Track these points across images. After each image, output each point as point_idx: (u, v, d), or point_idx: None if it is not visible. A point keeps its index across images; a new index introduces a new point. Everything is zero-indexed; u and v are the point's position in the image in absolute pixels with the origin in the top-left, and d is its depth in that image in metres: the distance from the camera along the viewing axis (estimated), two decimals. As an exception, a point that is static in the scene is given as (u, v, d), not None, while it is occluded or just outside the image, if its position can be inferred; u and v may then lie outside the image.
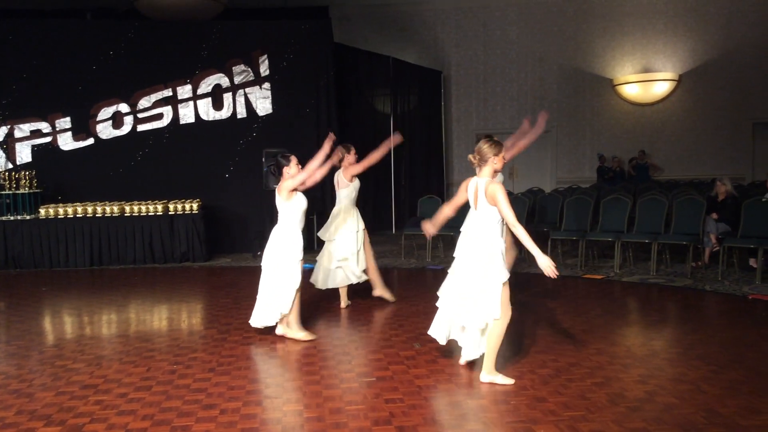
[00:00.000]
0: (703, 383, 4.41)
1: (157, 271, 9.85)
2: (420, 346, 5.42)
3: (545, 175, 15.71)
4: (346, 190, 6.87)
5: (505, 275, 4.44)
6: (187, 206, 10.56)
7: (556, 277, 4.24)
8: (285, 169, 5.71)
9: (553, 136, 15.60)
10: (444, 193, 14.73)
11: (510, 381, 4.49)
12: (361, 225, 6.87)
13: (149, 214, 10.42)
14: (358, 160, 6.83)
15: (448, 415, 3.94)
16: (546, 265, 4.23)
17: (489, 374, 4.52)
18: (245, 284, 8.65)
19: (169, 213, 10.48)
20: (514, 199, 10.29)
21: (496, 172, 4.60)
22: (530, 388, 4.40)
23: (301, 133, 11.56)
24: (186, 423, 3.90)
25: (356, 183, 6.89)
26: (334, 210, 6.97)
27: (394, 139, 7.00)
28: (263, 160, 10.83)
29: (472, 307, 4.50)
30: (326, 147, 5.76)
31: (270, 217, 10.67)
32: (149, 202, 10.59)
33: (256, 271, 9.67)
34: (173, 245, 10.46)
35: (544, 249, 9.52)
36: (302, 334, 5.69)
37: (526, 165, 16.00)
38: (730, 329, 5.99)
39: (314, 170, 5.74)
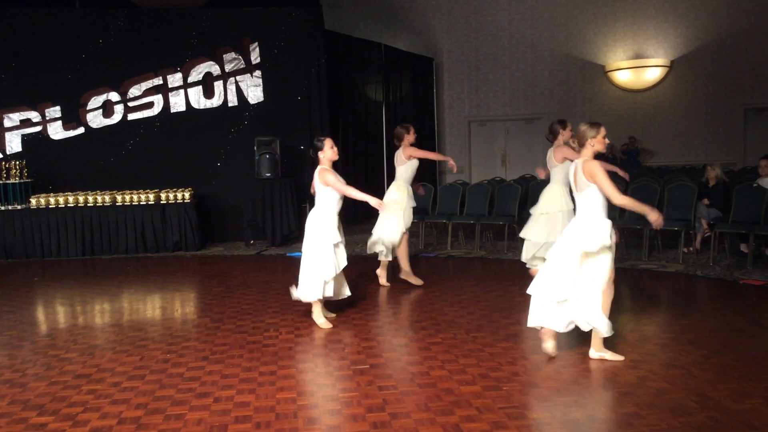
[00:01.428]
0: (694, 368, 4.44)
1: (150, 261, 9.83)
2: (414, 334, 5.43)
3: (537, 162, 15.67)
4: (403, 167, 7.25)
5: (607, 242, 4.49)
6: (179, 195, 10.51)
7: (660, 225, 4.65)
8: (320, 153, 5.78)
9: (545, 123, 15.53)
10: (436, 181, 14.73)
11: (620, 357, 4.65)
12: (412, 203, 7.26)
13: (141, 203, 10.37)
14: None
15: (441, 401, 3.95)
16: (655, 218, 4.54)
17: (597, 350, 4.68)
18: (238, 273, 8.66)
19: (161, 202, 10.44)
20: (506, 186, 10.30)
21: (596, 153, 4.63)
22: (522, 374, 4.42)
23: (292, 120, 11.52)
24: (179, 411, 3.90)
25: (414, 162, 7.25)
26: (391, 186, 7.38)
27: (450, 163, 7.53)
28: (255, 148, 10.80)
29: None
30: (372, 202, 5.66)
31: (263, 205, 10.68)
32: (141, 191, 10.54)
33: (248, 260, 9.72)
34: (165, 234, 10.42)
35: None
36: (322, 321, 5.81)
37: (519, 152, 16.02)
38: (721, 314, 6.03)
39: (348, 194, 5.75)
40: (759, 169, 8.82)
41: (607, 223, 4.51)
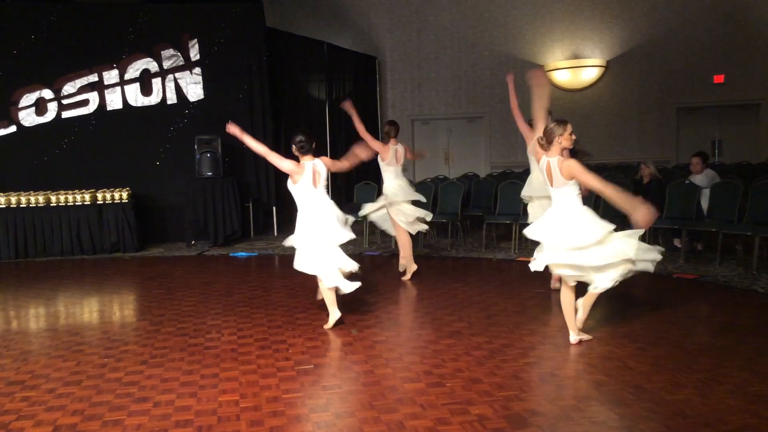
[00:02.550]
0: (630, 360, 4.57)
1: (86, 263, 9.56)
2: (357, 332, 5.43)
3: (479, 161, 15.91)
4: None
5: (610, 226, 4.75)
6: (117, 195, 10.26)
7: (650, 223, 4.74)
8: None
9: (487, 121, 15.82)
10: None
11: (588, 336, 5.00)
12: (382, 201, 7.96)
13: (76, 203, 10.08)
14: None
15: (385, 399, 3.96)
16: (643, 215, 4.51)
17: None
18: (179, 274, 8.50)
19: (98, 202, 10.17)
20: (449, 185, 10.39)
21: (564, 149, 4.77)
22: (465, 369, 4.47)
23: (234, 118, 11.26)
24: (118, 417, 3.81)
25: (389, 159, 8.33)
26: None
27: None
28: (195, 146, 10.61)
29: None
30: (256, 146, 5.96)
31: (204, 205, 10.51)
32: (76, 191, 10.22)
33: (190, 261, 9.55)
34: (102, 236, 10.15)
35: (479, 233, 9.68)
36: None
37: (461, 150, 16.19)
38: (655, 308, 6.21)
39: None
40: (690, 166, 9.11)
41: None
